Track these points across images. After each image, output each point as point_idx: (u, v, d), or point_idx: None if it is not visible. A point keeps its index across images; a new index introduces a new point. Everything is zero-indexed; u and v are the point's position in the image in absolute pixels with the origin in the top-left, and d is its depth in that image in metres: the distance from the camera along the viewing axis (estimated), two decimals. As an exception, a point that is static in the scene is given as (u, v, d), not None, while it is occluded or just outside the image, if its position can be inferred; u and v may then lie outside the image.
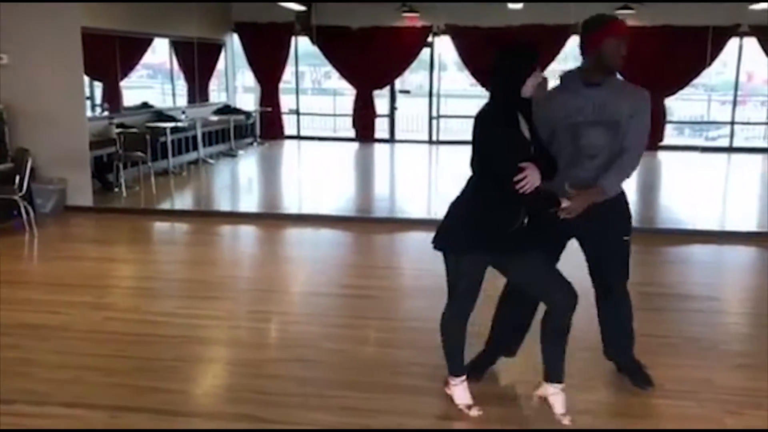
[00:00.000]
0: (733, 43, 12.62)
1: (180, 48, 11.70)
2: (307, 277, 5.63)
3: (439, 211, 3.30)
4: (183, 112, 10.90)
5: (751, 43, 12.61)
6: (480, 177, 3.05)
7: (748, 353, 4.07)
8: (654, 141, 13.06)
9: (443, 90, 14.25)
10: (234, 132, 12.29)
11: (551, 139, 3.20)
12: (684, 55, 12.26)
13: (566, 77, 3.29)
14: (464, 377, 3.30)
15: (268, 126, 13.97)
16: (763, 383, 3.59)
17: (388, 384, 3.57)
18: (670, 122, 13.78)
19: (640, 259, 5.93)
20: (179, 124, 10.33)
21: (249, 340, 4.28)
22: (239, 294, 5.15)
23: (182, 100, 11.95)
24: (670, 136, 13.70)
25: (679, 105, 14.97)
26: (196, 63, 11.84)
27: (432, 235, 3.12)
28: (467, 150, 3.03)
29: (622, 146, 3.20)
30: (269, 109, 13.73)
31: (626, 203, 3.39)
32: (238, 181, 11.05)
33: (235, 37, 13.58)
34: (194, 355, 4.00)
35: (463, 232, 3.06)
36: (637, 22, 12.32)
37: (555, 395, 3.21)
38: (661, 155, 12.45)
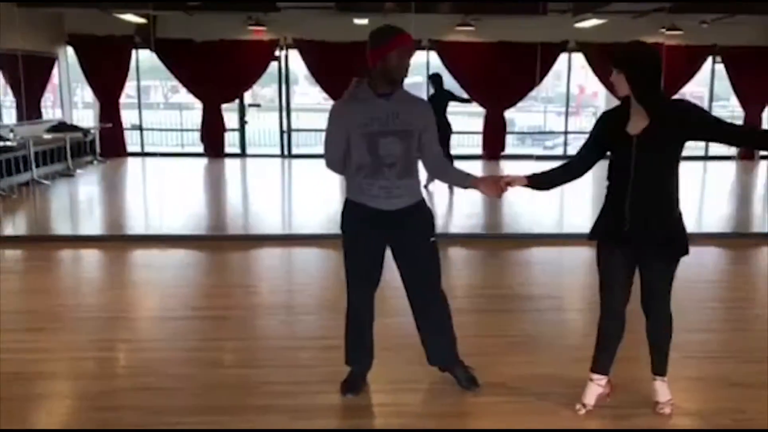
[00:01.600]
0: (563, 58, 13.56)
1: (5, 61, 10.84)
2: (155, 301, 5.37)
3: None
4: (11, 131, 10.15)
5: (580, 58, 13.62)
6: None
7: (586, 347, 4.33)
8: (496, 151, 13.76)
9: (295, 104, 14.23)
10: (71, 150, 11.61)
11: (348, 148, 3.26)
12: (518, 69, 13.00)
13: (358, 87, 3.32)
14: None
15: (109, 143, 13.34)
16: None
17: (241, 405, 3.47)
18: (511, 133, 14.57)
19: (484, 263, 6.04)
20: (8, 143, 9.67)
21: (92, 371, 4.00)
22: (80, 323, 4.81)
23: (10, 118, 11.09)
24: (511, 145, 14.48)
25: (520, 116, 15.88)
26: (24, 78, 11.00)
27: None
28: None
29: (432, 153, 3.38)
30: (110, 125, 13.08)
31: (428, 208, 3.49)
32: (77, 202, 10.36)
33: (70, 50, 12.83)
34: (29, 392, 3.67)
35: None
36: (476, 38, 12.98)
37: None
38: (503, 164, 13.11)
